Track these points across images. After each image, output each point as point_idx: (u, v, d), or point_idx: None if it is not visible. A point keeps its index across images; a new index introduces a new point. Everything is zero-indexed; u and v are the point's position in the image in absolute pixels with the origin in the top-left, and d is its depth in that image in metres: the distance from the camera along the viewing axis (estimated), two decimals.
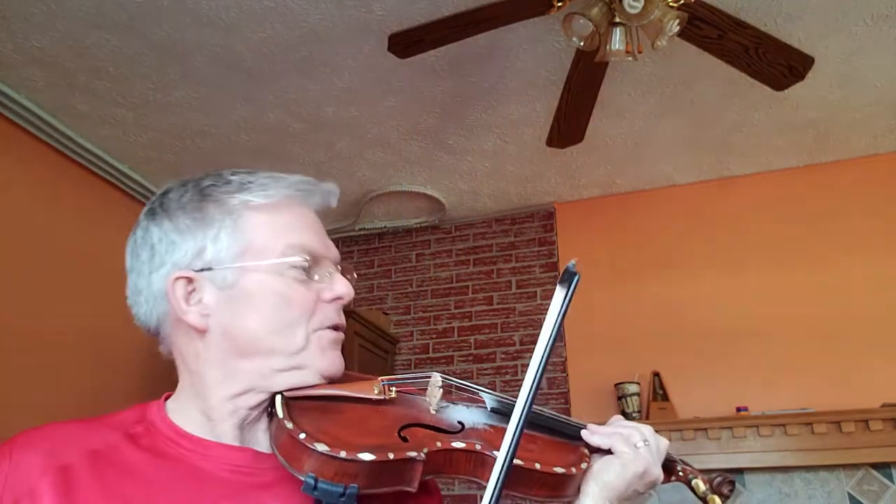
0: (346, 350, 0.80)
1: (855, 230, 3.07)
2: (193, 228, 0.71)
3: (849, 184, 3.15)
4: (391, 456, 0.62)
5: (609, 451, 0.75)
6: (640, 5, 1.72)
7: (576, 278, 0.57)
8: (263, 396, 0.71)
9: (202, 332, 0.71)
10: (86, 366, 2.67)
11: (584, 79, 2.13)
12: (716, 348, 3.05)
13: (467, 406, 0.78)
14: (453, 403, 0.78)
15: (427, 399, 0.75)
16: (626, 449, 0.75)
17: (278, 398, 0.68)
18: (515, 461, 0.67)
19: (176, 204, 0.73)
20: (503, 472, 0.55)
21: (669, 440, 0.83)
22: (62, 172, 2.79)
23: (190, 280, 0.70)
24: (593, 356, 3.22)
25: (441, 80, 2.58)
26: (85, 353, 2.69)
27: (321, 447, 0.60)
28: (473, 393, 0.80)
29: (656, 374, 3.04)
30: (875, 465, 2.67)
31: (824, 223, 3.13)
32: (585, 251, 3.45)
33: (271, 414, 0.69)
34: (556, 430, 0.80)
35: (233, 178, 0.74)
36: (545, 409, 0.81)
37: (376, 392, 0.72)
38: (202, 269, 0.71)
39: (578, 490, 0.73)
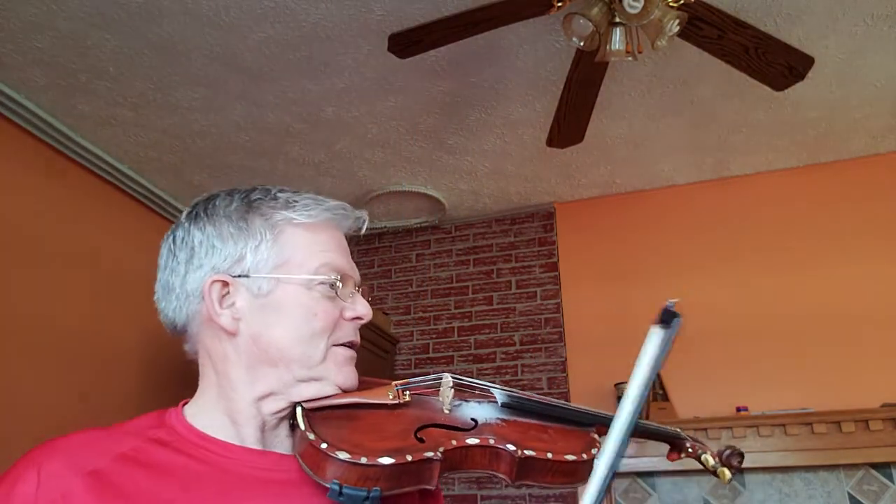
0: None
1: (855, 230, 3.07)
2: (236, 236, 0.76)
3: (849, 184, 3.15)
4: (409, 458, 0.64)
5: None
6: (640, 5, 1.72)
7: (677, 320, 0.54)
8: (284, 403, 0.74)
9: (232, 334, 0.74)
10: (86, 366, 2.67)
11: (584, 79, 2.13)
12: (716, 348, 3.04)
13: (479, 402, 0.82)
14: (465, 401, 0.81)
15: (440, 399, 0.79)
16: None
17: (299, 410, 0.71)
18: (528, 452, 0.71)
19: (222, 211, 0.77)
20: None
21: None
22: (62, 172, 2.78)
23: (226, 284, 0.75)
24: (593, 356, 3.22)
25: (441, 80, 2.58)
26: (85, 353, 2.68)
27: (343, 455, 0.63)
28: (484, 390, 0.83)
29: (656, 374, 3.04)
30: (875, 465, 2.67)
31: (824, 223, 3.13)
32: (585, 251, 3.46)
33: (293, 426, 0.73)
34: (567, 419, 0.83)
35: (280, 195, 0.79)
36: (556, 401, 0.84)
37: (391, 397, 0.76)
38: (239, 276, 0.74)
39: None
